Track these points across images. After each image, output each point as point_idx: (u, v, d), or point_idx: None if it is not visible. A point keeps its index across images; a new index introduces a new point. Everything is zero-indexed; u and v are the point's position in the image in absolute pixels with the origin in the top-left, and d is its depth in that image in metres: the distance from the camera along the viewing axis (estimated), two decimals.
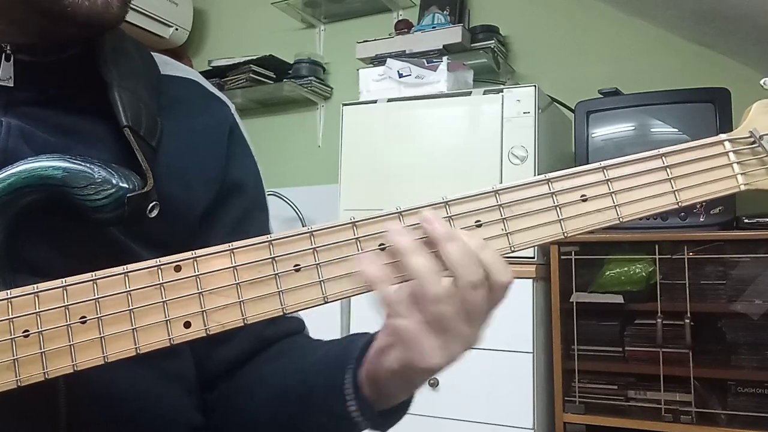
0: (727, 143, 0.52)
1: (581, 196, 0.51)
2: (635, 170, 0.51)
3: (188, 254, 0.48)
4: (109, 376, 0.54)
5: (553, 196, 0.51)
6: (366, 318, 1.87)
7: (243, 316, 0.48)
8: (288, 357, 0.66)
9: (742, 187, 0.51)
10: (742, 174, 0.52)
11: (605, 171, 0.51)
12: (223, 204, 0.69)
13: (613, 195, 0.51)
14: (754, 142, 0.52)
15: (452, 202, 0.50)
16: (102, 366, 0.47)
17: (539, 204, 0.50)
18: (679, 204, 0.51)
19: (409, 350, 0.47)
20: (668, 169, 0.51)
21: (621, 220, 0.50)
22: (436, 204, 0.50)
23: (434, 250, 0.48)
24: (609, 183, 0.51)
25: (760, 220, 1.59)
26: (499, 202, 0.50)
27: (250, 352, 0.67)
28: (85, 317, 0.46)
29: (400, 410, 0.56)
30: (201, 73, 0.76)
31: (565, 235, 0.50)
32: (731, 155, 0.52)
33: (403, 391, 0.53)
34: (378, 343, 0.52)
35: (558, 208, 0.50)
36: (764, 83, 0.53)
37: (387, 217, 0.49)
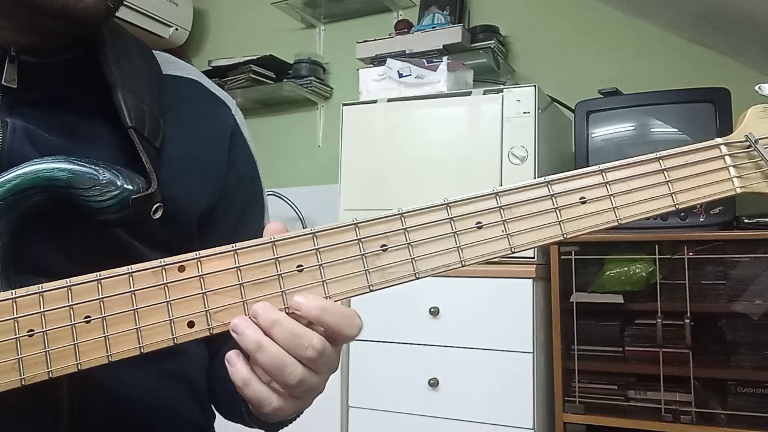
0: (723, 147, 0.53)
1: (580, 199, 0.51)
2: (633, 173, 0.52)
3: (192, 255, 0.48)
4: (111, 376, 0.55)
5: (553, 198, 0.51)
6: (365, 318, 1.86)
7: (247, 316, 0.48)
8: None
9: (738, 191, 0.52)
10: (738, 177, 0.52)
11: (604, 174, 0.52)
12: (223, 206, 0.70)
13: (611, 197, 0.51)
14: (749, 146, 0.52)
15: (453, 204, 0.50)
16: (105, 365, 0.47)
17: (539, 206, 0.51)
18: (677, 206, 0.51)
19: (273, 415, 0.50)
20: (666, 172, 0.52)
21: (620, 222, 0.51)
22: (437, 206, 0.50)
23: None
24: (608, 186, 0.51)
25: (760, 220, 1.59)
26: (500, 204, 0.51)
27: None
28: (89, 317, 0.47)
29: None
30: (201, 73, 0.77)
31: (565, 237, 0.50)
32: (727, 159, 0.53)
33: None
34: None
35: (558, 210, 0.51)
36: (759, 89, 0.54)
37: (389, 218, 0.50)
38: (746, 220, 1.61)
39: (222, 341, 0.66)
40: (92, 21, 0.57)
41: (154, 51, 0.71)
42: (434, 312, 1.79)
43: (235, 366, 0.49)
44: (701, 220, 1.66)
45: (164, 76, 0.69)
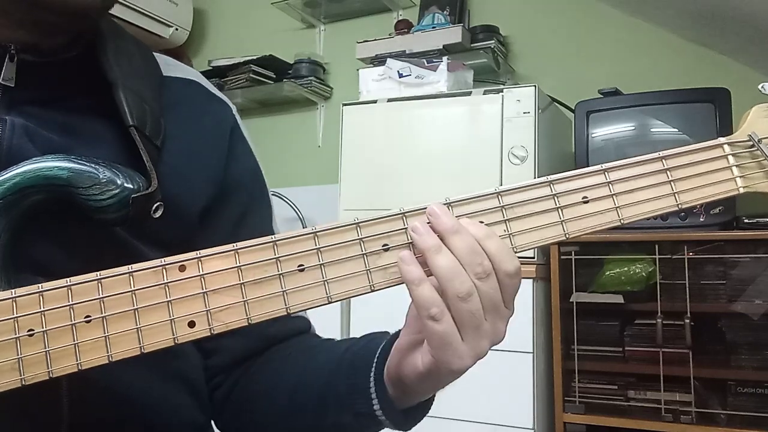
0: (726, 146, 0.53)
1: (583, 198, 0.51)
2: (636, 172, 0.52)
3: (193, 254, 0.48)
4: (112, 376, 0.55)
5: (555, 197, 0.51)
6: (366, 318, 1.87)
7: (247, 315, 0.48)
8: (303, 355, 0.66)
9: (741, 190, 0.52)
10: (741, 177, 0.52)
11: (606, 173, 0.51)
12: (224, 203, 0.70)
13: (614, 197, 0.51)
14: (752, 146, 0.52)
15: (455, 203, 0.50)
16: (105, 365, 0.47)
17: (541, 206, 0.51)
18: (680, 206, 0.51)
19: (443, 353, 0.48)
20: (669, 172, 0.52)
21: (622, 221, 0.51)
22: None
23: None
24: (610, 185, 0.51)
25: (760, 220, 1.59)
26: (502, 204, 0.50)
27: (255, 349, 0.68)
28: (89, 316, 0.46)
29: (423, 409, 0.57)
30: (201, 73, 0.77)
31: (567, 236, 0.50)
32: (730, 158, 0.52)
33: (427, 391, 0.54)
34: (401, 343, 0.53)
35: (560, 210, 0.51)
36: (763, 88, 0.54)
37: (390, 218, 0.50)
38: (746, 220, 1.61)
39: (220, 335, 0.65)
40: (90, 13, 0.57)
41: (153, 53, 0.71)
42: None
43: (410, 265, 0.48)
44: (701, 220, 1.66)
45: (164, 77, 0.69)
